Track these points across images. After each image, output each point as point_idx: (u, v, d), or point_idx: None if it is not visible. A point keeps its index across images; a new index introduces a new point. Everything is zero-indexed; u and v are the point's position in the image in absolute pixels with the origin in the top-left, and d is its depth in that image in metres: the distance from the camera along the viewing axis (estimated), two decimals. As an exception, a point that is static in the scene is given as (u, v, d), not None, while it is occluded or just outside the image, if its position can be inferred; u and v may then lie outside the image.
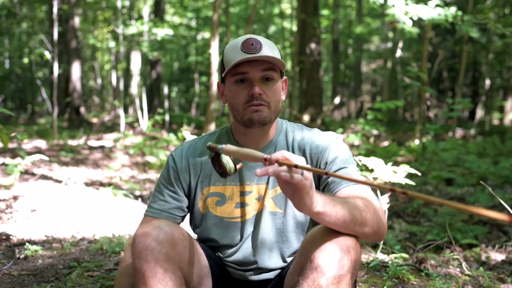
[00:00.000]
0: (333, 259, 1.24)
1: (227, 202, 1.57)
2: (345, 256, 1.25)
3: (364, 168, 2.92)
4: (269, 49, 1.47)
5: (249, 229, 1.56)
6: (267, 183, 1.55)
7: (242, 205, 1.56)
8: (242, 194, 1.56)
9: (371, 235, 1.34)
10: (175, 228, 1.38)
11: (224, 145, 1.28)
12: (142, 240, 1.31)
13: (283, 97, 1.57)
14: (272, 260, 1.57)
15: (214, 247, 1.62)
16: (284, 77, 1.58)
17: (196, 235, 1.67)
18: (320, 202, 1.22)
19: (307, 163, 1.54)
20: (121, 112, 12.59)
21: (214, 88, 7.02)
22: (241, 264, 1.58)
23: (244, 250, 1.57)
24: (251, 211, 1.56)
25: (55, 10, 10.83)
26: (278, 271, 1.58)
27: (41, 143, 9.21)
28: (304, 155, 1.55)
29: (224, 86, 1.55)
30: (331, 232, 1.29)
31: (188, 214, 1.65)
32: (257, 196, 1.56)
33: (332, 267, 1.23)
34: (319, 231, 1.31)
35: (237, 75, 1.47)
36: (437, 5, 6.10)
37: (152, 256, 1.28)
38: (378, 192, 2.95)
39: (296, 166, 1.13)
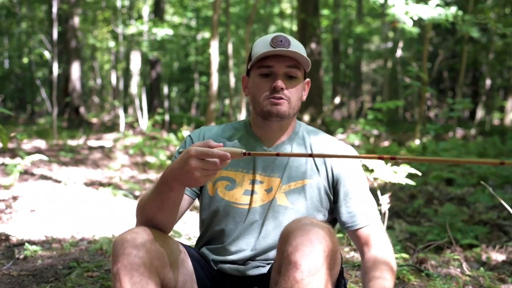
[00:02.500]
0: (306, 252, 1.24)
1: (236, 187, 1.58)
2: (318, 247, 1.24)
3: (364, 168, 2.92)
4: (296, 47, 1.52)
5: (253, 218, 1.57)
6: (282, 177, 1.57)
7: (251, 193, 1.58)
8: (253, 182, 1.58)
9: None
10: (155, 234, 1.39)
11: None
12: (119, 245, 1.32)
13: (304, 97, 1.63)
14: (274, 253, 1.56)
15: (215, 239, 1.61)
16: (307, 79, 1.63)
17: (200, 223, 1.68)
18: None
19: (325, 164, 1.58)
20: (121, 112, 12.59)
21: (214, 88, 7.02)
22: (240, 252, 1.56)
23: (246, 240, 1.57)
24: (258, 200, 1.57)
25: (54, 10, 10.83)
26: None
27: (41, 143, 9.21)
28: (325, 163, 1.59)
29: (249, 79, 1.60)
30: (303, 226, 1.28)
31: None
32: (267, 188, 1.57)
33: (305, 260, 1.23)
34: (291, 227, 1.31)
35: (262, 68, 1.53)
36: (437, 5, 6.10)
37: (129, 260, 1.30)
38: (379, 192, 2.95)
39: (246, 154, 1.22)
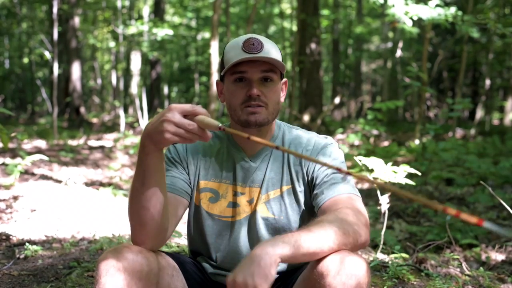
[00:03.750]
0: (349, 284, 1.24)
1: (220, 199, 1.56)
2: (361, 281, 1.27)
3: (364, 168, 2.92)
4: (270, 50, 1.46)
5: (238, 230, 1.54)
6: (261, 187, 1.54)
7: (234, 205, 1.55)
8: (235, 194, 1.55)
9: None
10: (141, 254, 1.33)
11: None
12: (103, 267, 1.28)
13: (282, 98, 1.57)
14: None
15: (205, 250, 1.59)
16: (284, 79, 1.57)
17: (189, 236, 1.66)
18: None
19: (301, 164, 1.53)
20: (121, 112, 12.61)
21: (214, 88, 7.00)
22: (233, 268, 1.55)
23: (236, 254, 1.54)
24: (242, 212, 1.54)
25: (55, 10, 10.84)
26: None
27: (41, 143, 9.21)
28: (300, 163, 1.54)
29: (223, 84, 1.54)
30: (344, 264, 1.27)
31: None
32: (249, 199, 1.55)
33: (342, 282, 1.24)
34: (331, 262, 1.28)
35: (236, 74, 1.46)
36: (437, 5, 6.11)
37: (111, 283, 1.26)
38: (378, 192, 2.95)
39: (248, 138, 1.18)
